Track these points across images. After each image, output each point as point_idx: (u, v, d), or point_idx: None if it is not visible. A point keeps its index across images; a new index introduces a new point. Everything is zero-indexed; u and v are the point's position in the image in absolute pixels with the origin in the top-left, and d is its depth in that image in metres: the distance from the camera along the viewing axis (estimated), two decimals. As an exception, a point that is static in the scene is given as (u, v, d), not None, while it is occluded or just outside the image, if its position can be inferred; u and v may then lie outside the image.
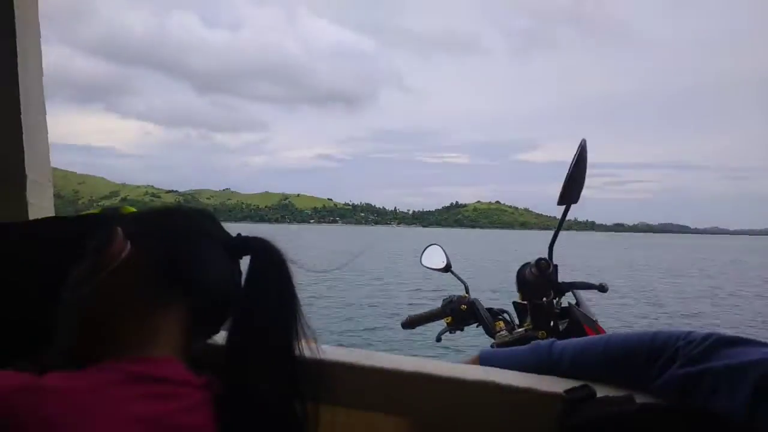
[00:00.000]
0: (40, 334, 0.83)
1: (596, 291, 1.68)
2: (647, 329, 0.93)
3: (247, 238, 0.86)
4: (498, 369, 0.97)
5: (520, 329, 1.70)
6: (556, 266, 1.66)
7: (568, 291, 1.72)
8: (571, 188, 1.61)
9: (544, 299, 1.65)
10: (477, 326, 1.88)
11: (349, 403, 0.95)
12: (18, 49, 1.35)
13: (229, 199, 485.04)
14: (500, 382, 0.90)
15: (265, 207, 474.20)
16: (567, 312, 1.71)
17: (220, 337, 0.85)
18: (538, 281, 1.65)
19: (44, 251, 0.98)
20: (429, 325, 2.03)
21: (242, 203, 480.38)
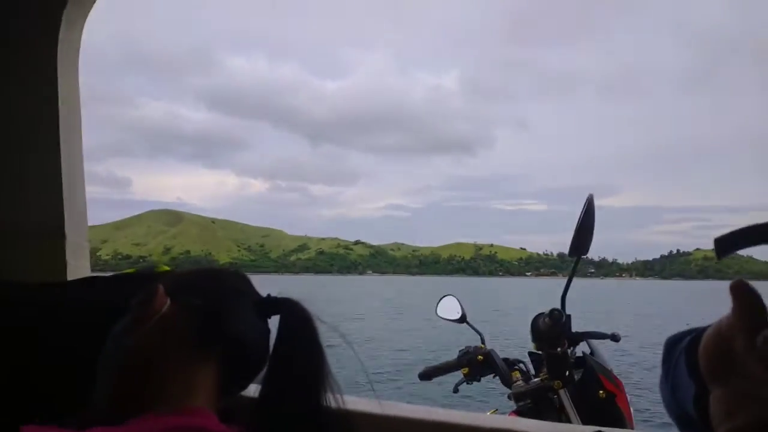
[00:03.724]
0: (80, 393, 0.89)
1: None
2: None
3: (276, 298, 0.96)
4: (515, 417, 1.06)
5: (536, 379, 1.84)
6: (569, 316, 1.78)
7: (582, 341, 1.82)
8: (582, 240, 1.75)
9: (559, 349, 1.78)
10: (494, 377, 2.03)
11: None
12: (60, 119, 1.51)
13: (414, 251, 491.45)
14: (518, 429, 0.96)
15: (470, 258, 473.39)
16: (582, 361, 1.80)
17: (248, 392, 0.95)
18: (552, 331, 1.78)
19: (84, 311, 1.10)
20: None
21: (431, 254, 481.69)
